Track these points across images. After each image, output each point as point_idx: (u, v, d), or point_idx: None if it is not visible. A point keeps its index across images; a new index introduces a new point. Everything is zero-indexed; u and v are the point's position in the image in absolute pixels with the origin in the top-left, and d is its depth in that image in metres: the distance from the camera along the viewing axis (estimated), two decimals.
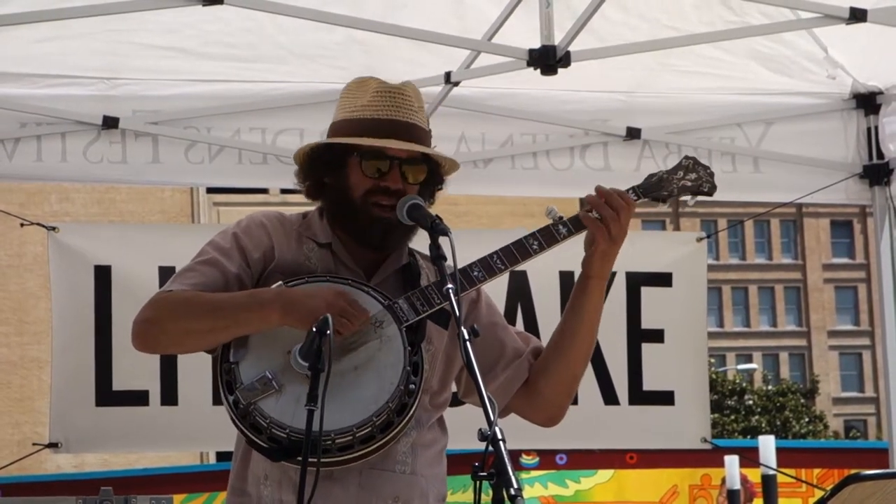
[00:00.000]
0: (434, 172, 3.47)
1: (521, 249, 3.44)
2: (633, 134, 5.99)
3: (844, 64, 5.93)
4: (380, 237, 3.40)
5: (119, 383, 5.77)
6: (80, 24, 5.10)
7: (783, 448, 12.76)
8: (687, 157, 3.64)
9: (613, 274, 5.99)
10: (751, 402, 51.33)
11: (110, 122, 5.64)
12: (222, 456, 16.71)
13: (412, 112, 3.43)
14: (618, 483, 13.50)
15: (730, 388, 51.05)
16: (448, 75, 5.54)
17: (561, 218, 3.47)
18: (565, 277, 5.92)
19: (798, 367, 69.92)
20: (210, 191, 27.59)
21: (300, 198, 3.54)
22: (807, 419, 50.81)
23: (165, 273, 5.56)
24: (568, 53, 5.03)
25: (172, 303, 3.32)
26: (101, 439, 5.87)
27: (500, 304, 4.05)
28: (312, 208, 3.55)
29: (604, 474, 13.43)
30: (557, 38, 5.01)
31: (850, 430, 63.71)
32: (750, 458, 11.86)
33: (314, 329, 3.14)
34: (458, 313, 3.12)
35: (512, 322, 4.64)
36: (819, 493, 4.41)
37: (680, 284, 6.20)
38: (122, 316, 5.66)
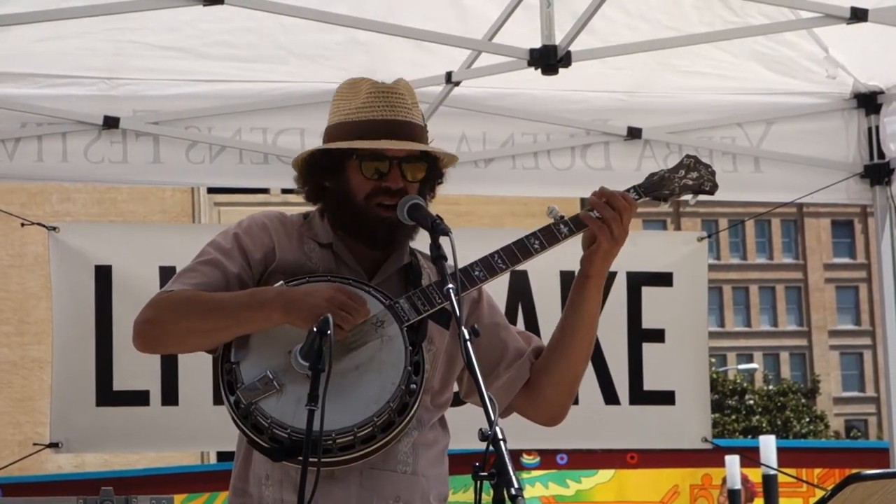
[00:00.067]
0: (433, 168, 3.47)
1: (522, 249, 3.43)
2: (633, 134, 5.99)
3: (845, 64, 5.93)
4: (386, 237, 3.41)
5: (120, 383, 5.77)
6: (80, 23, 5.10)
7: (784, 448, 12.73)
8: (688, 156, 3.64)
9: (614, 274, 6.00)
10: (751, 401, 51.26)
11: (111, 122, 5.64)
12: (223, 456, 16.69)
13: (406, 110, 3.42)
14: (618, 483, 13.49)
15: (731, 387, 50.98)
16: (449, 75, 5.54)
17: (562, 217, 3.46)
18: (566, 277, 5.91)
19: (799, 366, 69.86)
20: (211, 191, 27.55)
21: (301, 198, 3.53)
22: (808, 419, 50.74)
23: (166, 273, 5.56)
24: (569, 53, 5.03)
25: (174, 303, 3.32)
26: (102, 439, 5.87)
27: (500, 304, 4.05)
28: (313, 208, 3.54)
29: (605, 474, 13.43)
30: (558, 38, 5.02)
31: (850, 429, 63.65)
32: (751, 457, 11.85)
33: (315, 329, 3.13)
34: (458, 313, 3.12)
35: (513, 322, 4.63)
36: (820, 493, 4.41)
37: (681, 284, 6.20)
38: (122, 316, 5.66)
